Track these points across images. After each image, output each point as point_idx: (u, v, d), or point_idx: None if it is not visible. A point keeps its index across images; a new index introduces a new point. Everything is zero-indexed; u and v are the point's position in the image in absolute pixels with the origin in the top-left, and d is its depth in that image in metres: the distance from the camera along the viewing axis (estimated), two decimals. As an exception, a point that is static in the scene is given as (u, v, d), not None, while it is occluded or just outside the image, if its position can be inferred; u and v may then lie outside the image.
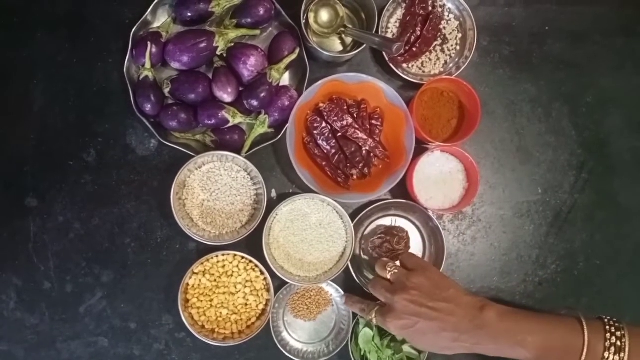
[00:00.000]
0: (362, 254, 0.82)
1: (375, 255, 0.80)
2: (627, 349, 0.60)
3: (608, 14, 0.89)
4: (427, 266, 0.69)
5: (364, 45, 0.78)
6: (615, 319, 0.63)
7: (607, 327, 0.62)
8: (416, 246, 0.83)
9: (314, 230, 0.79)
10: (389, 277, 0.68)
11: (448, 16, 0.83)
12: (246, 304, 0.77)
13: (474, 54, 0.81)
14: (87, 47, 0.80)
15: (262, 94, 0.75)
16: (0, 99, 0.79)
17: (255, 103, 0.75)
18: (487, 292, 0.84)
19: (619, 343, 0.60)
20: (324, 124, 0.79)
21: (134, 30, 0.76)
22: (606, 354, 0.60)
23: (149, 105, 0.75)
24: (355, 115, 0.80)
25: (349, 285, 0.80)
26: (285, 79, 0.81)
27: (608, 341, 0.60)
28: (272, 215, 0.76)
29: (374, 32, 0.78)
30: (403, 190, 0.81)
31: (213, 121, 0.76)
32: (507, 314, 0.64)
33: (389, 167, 0.80)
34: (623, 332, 0.61)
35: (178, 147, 0.77)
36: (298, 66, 0.80)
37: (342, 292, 0.79)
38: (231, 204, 0.78)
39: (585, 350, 0.60)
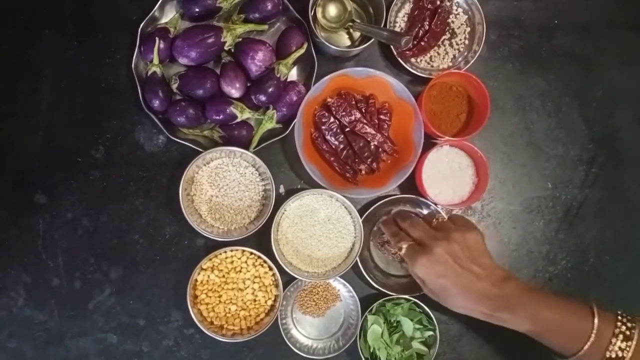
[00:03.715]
0: (370, 249, 0.82)
1: (385, 252, 0.80)
2: (635, 338, 0.61)
3: (617, 7, 0.88)
4: (472, 228, 0.70)
5: (372, 40, 0.78)
6: (629, 315, 0.63)
7: (619, 317, 0.63)
8: (425, 242, 0.82)
9: (322, 226, 0.78)
10: (434, 223, 0.72)
11: (456, 10, 0.83)
12: (255, 300, 0.76)
13: (482, 48, 0.81)
14: (95, 43, 0.80)
15: (270, 89, 0.75)
16: (8, 96, 0.79)
17: (263, 98, 0.75)
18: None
19: (628, 332, 0.61)
20: (332, 119, 0.78)
21: (141, 26, 0.76)
22: (613, 340, 0.61)
23: (157, 101, 0.75)
24: (364, 110, 0.79)
25: (358, 282, 0.80)
26: (293, 74, 0.81)
27: (617, 329, 0.61)
28: (281, 211, 0.76)
29: (382, 26, 0.78)
30: (412, 186, 0.80)
31: (221, 117, 0.75)
32: (527, 289, 0.66)
33: (398, 162, 0.79)
34: (634, 325, 0.62)
35: (186, 143, 0.77)
36: (306, 61, 0.79)
37: (350, 288, 0.78)
38: (239, 199, 0.78)
39: (593, 335, 0.61)
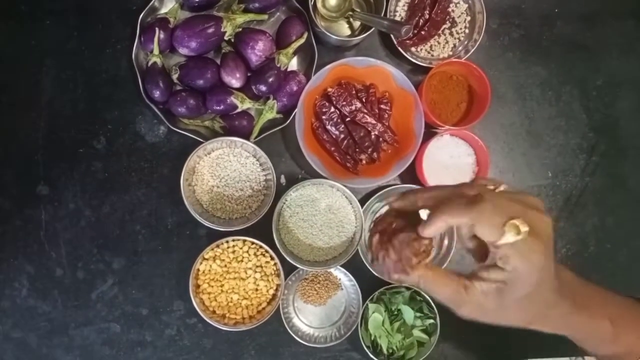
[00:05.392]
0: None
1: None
2: None
3: (618, -5, 0.88)
4: None
5: (372, 29, 0.78)
6: None
7: None
8: (426, 231, 0.82)
9: (323, 216, 0.79)
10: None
11: (457, -1, 0.83)
12: (257, 289, 0.77)
13: (483, 36, 0.81)
14: (95, 34, 0.80)
15: (271, 79, 0.75)
16: (10, 88, 0.80)
17: (263, 88, 0.75)
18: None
19: None
20: (332, 109, 0.78)
21: (141, 16, 0.76)
22: None
23: (158, 92, 0.75)
24: (364, 100, 0.79)
25: (359, 270, 0.81)
26: (294, 64, 0.81)
27: None
28: (282, 201, 0.76)
29: (382, 15, 0.78)
30: (412, 175, 0.81)
31: (222, 107, 0.76)
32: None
33: (398, 151, 0.80)
34: None
35: (187, 134, 0.77)
36: (306, 51, 0.79)
37: (351, 277, 0.79)
38: (240, 189, 0.78)
39: None
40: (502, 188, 0.46)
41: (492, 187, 0.46)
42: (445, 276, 0.47)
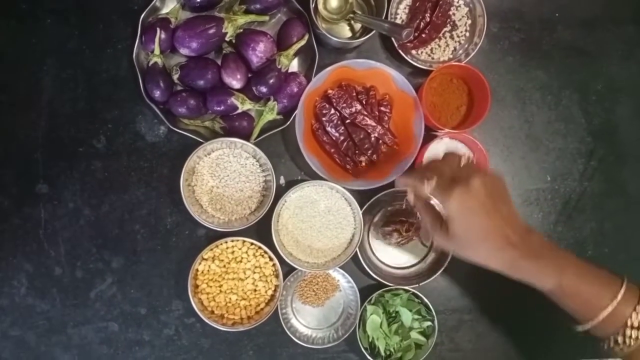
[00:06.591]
0: (370, 240, 0.82)
1: (387, 241, 0.80)
2: None
3: (619, 1, 0.88)
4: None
5: (373, 32, 0.78)
6: None
7: None
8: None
9: (322, 217, 0.79)
10: (462, 163, 0.64)
11: (457, 2, 0.83)
12: (255, 290, 0.77)
13: (483, 40, 0.81)
14: (96, 34, 0.80)
15: (271, 80, 0.75)
16: (10, 87, 0.80)
17: (264, 89, 0.75)
18: (494, 279, 0.83)
19: None
20: (332, 111, 0.79)
21: (142, 16, 0.76)
22: (638, 307, 0.58)
23: (158, 92, 0.75)
24: (364, 102, 0.80)
25: (357, 272, 0.81)
26: (294, 66, 0.81)
27: None
28: (281, 202, 0.77)
29: (383, 18, 0.78)
30: (412, 178, 0.81)
31: (222, 107, 0.76)
32: (554, 244, 0.63)
33: (398, 154, 0.80)
34: None
35: (187, 134, 0.77)
36: (307, 52, 0.80)
37: (350, 279, 0.79)
38: (240, 190, 0.78)
39: (618, 298, 0.59)
40: (464, 161, 0.65)
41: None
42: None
